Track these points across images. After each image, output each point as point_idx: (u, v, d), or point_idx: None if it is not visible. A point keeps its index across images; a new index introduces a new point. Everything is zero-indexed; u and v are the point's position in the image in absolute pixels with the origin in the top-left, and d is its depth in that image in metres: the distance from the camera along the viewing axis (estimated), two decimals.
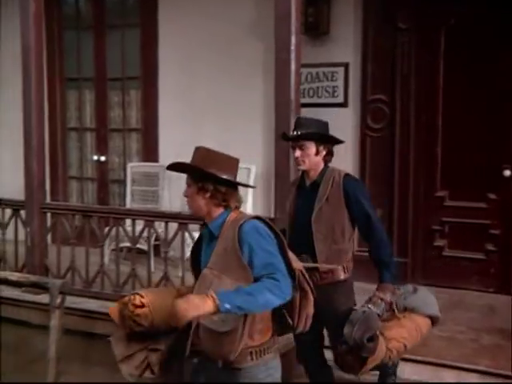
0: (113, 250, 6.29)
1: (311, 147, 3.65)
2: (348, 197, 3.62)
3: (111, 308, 3.07)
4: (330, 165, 3.78)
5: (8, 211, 6.34)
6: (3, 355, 5.44)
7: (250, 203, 6.50)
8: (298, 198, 3.82)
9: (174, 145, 7.19)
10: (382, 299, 3.58)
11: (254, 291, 2.57)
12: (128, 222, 5.96)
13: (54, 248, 6.09)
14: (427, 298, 3.80)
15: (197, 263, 2.98)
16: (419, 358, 4.41)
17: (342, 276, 3.69)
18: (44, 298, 5.57)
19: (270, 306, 2.65)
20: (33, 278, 4.88)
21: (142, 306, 2.97)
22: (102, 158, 7.95)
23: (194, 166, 2.87)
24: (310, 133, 3.66)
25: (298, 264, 2.86)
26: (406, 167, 6.28)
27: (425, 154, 6.27)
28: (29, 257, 6.10)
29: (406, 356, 4.36)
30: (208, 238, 2.92)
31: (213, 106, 7.01)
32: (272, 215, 4.89)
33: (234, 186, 2.90)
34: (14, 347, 5.69)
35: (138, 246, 5.94)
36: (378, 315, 3.51)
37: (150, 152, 7.61)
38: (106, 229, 5.91)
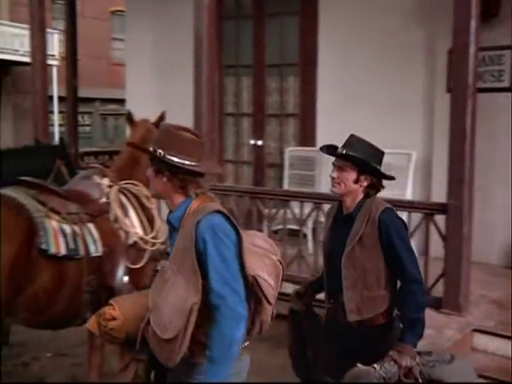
0: (274, 232, 6.48)
1: (351, 172, 3.15)
2: (381, 234, 3.10)
3: (91, 323, 2.94)
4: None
5: None
6: None
7: (410, 190, 6.52)
8: (333, 229, 3.34)
9: (332, 130, 7.24)
10: (395, 362, 2.93)
11: (225, 349, 2.44)
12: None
13: None
14: (465, 372, 3.00)
15: None
16: None
17: (378, 321, 3.17)
18: None
19: (241, 337, 2.49)
20: None
21: (114, 318, 2.82)
22: (259, 143, 8.21)
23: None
24: (352, 156, 3.13)
25: (254, 268, 2.59)
26: None
27: None
28: None
29: None
30: (171, 228, 2.70)
31: (371, 92, 7.05)
32: (444, 201, 4.92)
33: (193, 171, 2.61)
34: None
35: (296, 227, 6.08)
36: (384, 379, 2.89)
37: (307, 137, 7.77)
38: (273, 211, 6.11)
